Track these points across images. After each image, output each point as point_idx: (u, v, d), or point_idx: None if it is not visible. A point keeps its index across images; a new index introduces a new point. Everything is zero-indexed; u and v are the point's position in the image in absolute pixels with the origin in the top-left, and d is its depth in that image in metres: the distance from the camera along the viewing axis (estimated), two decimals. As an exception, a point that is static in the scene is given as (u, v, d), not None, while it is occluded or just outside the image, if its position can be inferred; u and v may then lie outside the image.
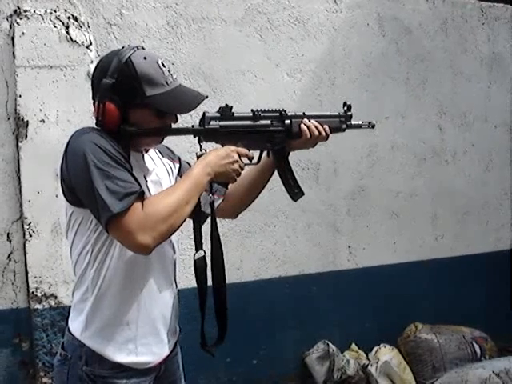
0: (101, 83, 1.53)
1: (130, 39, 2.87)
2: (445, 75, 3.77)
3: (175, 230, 1.52)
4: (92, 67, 2.77)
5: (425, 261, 3.85)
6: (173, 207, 1.48)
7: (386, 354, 3.41)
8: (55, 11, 2.67)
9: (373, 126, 1.95)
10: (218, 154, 1.63)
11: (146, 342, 1.64)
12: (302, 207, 3.40)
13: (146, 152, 1.71)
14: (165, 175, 1.76)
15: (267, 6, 3.19)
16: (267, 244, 3.36)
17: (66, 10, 2.69)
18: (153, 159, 1.74)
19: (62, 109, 2.73)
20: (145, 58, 1.56)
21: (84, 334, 1.58)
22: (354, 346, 3.56)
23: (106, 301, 1.57)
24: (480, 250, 4.05)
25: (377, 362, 3.35)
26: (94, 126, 1.58)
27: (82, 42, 2.73)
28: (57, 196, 2.75)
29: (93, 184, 1.42)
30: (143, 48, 1.62)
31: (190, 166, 1.89)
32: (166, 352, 1.71)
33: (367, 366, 3.38)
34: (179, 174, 1.85)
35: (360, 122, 1.92)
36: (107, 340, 1.58)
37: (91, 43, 2.78)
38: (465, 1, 3.76)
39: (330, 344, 3.43)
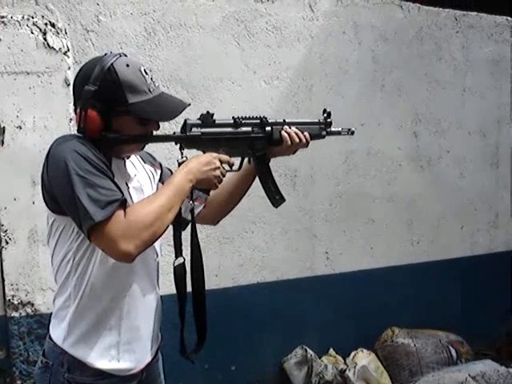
0: (83, 90, 1.53)
1: (107, 46, 2.87)
2: (420, 82, 3.83)
3: (158, 238, 1.52)
4: (69, 74, 2.77)
5: (401, 265, 3.89)
6: (155, 214, 1.48)
7: (364, 358, 3.44)
8: (32, 17, 2.66)
9: (352, 133, 1.99)
10: (199, 161, 1.64)
11: (129, 349, 1.64)
12: (279, 213, 3.42)
13: (128, 158, 1.72)
14: (146, 181, 1.77)
15: (244, 14, 3.21)
16: (245, 250, 3.38)
17: (43, 17, 2.69)
18: (134, 165, 1.75)
19: (39, 115, 2.72)
20: (127, 66, 1.57)
21: (66, 342, 1.58)
22: (331, 350, 3.58)
23: (88, 308, 1.58)
24: (455, 254, 4.10)
25: (354, 367, 3.37)
26: (75, 134, 1.59)
27: (60, 49, 2.73)
28: (33, 203, 2.74)
29: (74, 192, 1.43)
30: (125, 55, 1.63)
31: (171, 172, 1.91)
32: (148, 358, 1.72)
33: (345, 370, 3.40)
34: (161, 180, 1.86)
35: (339, 129, 1.96)
36: (89, 346, 1.58)
37: (68, 49, 2.77)
38: (439, 9, 3.82)
39: (308, 349, 3.45)
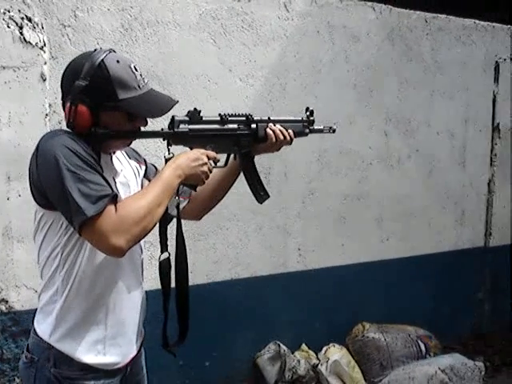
0: (73, 85, 1.54)
1: (84, 41, 2.86)
2: (391, 83, 3.91)
3: (148, 232, 1.54)
4: (46, 68, 2.76)
5: (371, 262, 3.97)
6: (146, 209, 1.50)
7: (336, 353, 3.50)
8: (9, 11, 2.63)
9: (333, 131, 2.04)
10: (188, 157, 1.66)
11: (115, 343, 1.66)
12: (253, 210, 3.45)
13: (114, 154, 1.72)
14: (132, 177, 1.78)
15: (221, 12, 3.23)
16: (219, 247, 3.40)
17: (19, 11, 2.66)
18: (120, 161, 1.76)
19: (15, 110, 2.69)
20: (118, 62, 1.58)
21: (53, 336, 1.59)
22: (304, 346, 3.63)
23: (75, 302, 1.59)
24: (423, 251, 4.20)
25: (327, 362, 3.43)
26: (64, 128, 1.59)
27: (36, 43, 2.70)
28: (8, 199, 2.71)
29: (65, 187, 1.43)
30: (114, 51, 1.63)
31: (155, 168, 1.93)
32: (133, 353, 1.73)
33: (317, 365, 3.46)
34: (145, 176, 1.88)
35: (322, 127, 2.00)
36: (76, 341, 1.59)
37: (45, 44, 2.75)
38: (410, 11, 3.90)
39: (281, 345, 3.49)
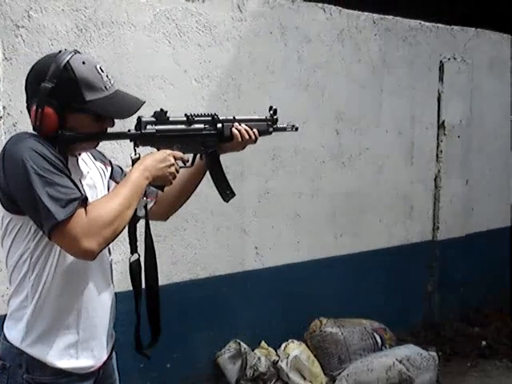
0: (39, 87, 1.52)
1: (38, 42, 2.80)
2: (341, 82, 3.99)
3: (118, 235, 1.54)
4: (0, 70, 2.69)
5: (326, 258, 4.05)
6: (116, 212, 1.50)
7: (295, 349, 3.55)
8: (-40, 12, 2.56)
9: (296, 129, 2.08)
10: (155, 158, 1.67)
11: (87, 346, 1.65)
12: (210, 210, 3.47)
13: (79, 156, 1.71)
14: (98, 179, 1.77)
15: (176, 13, 3.23)
16: (178, 248, 3.40)
17: (-29, 11, 2.59)
18: (86, 163, 1.75)
19: (-32, 112, 2.62)
20: (84, 63, 1.57)
21: (24, 342, 1.57)
22: (263, 343, 3.67)
23: (46, 307, 1.57)
24: (375, 246, 4.31)
25: (287, 358, 3.48)
26: (30, 131, 1.57)
27: (-12, 45, 2.64)
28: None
29: (34, 191, 1.42)
30: (79, 52, 1.62)
31: (121, 169, 1.92)
32: (105, 355, 1.73)
33: (277, 361, 3.51)
34: (111, 177, 1.87)
35: (285, 125, 2.04)
36: (48, 346, 1.58)
37: (-3, 46, 2.69)
38: (359, 13, 4.00)
39: (242, 343, 3.52)
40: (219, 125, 1.87)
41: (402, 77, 4.30)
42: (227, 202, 2.02)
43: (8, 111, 2.77)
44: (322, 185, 3.98)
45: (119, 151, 2.99)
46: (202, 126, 1.85)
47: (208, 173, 1.95)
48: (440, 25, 4.48)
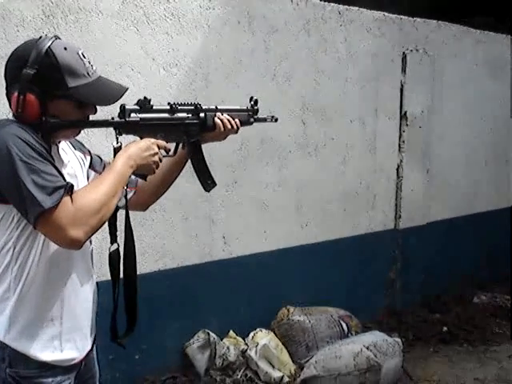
0: (21, 74, 1.48)
1: (4, 28, 2.73)
2: (308, 73, 4.01)
3: (104, 223, 1.52)
4: (-38, 57, 2.60)
5: (292, 247, 4.08)
6: (102, 200, 1.49)
7: (264, 337, 3.57)
8: None
9: (276, 120, 2.10)
10: (139, 147, 1.65)
11: (71, 338, 1.63)
12: (178, 200, 3.45)
13: (59, 144, 1.67)
14: (78, 168, 1.75)
15: (144, 0, 3.18)
16: (146, 238, 3.37)
17: None
18: (66, 152, 1.72)
19: None
20: (65, 49, 1.54)
21: (8, 335, 1.54)
22: (231, 332, 3.68)
23: (29, 298, 1.55)
24: (340, 235, 4.36)
25: (256, 346, 3.50)
26: (11, 118, 1.53)
27: (-49, 30, 2.55)
28: None
29: (19, 179, 1.39)
30: (60, 38, 1.59)
31: (100, 159, 1.89)
32: (88, 347, 1.72)
33: (246, 350, 3.52)
34: (90, 166, 1.84)
35: (265, 116, 2.05)
36: (31, 339, 1.55)
37: (-40, 31, 2.60)
38: (325, 3, 4.01)
39: (211, 333, 3.52)
40: (202, 114, 1.87)
41: (366, 68, 4.34)
42: (208, 191, 2.02)
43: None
44: (288, 174, 4.00)
45: (98, 140, 2.93)
46: (185, 114, 1.84)
47: (190, 162, 1.94)
48: (403, 16, 4.54)
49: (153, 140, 1.71)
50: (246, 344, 3.60)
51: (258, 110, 2.04)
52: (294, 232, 4.10)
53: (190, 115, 1.85)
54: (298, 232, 4.12)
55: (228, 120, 1.91)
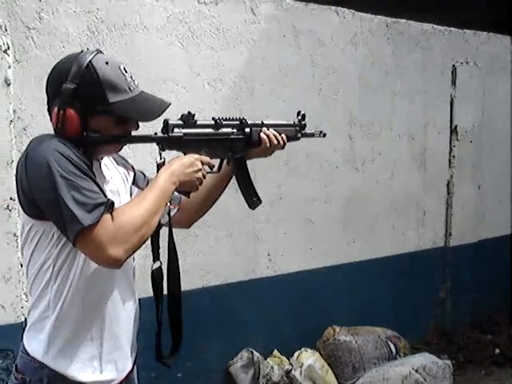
0: (61, 88, 1.45)
1: (49, 44, 2.75)
2: (354, 87, 3.93)
3: (145, 242, 1.48)
4: (10, 73, 2.64)
5: (338, 265, 3.98)
6: (143, 218, 1.44)
7: (309, 357, 3.48)
8: (-29, 13, 2.50)
9: (324, 135, 2.03)
10: (182, 163, 1.60)
11: (111, 358, 1.58)
12: (223, 217, 3.40)
13: (101, 160, 1.65)
14: (121, 184, 1.71)
15: (188, 15, 3.17)
16: (189, 255, 3.33)
17: (-18, 13, 2.53)
18: (108, 168, 1.68)
19: (-21, 116, 2.56)
20: (107, 63, 1.51)
21: (47, 355, 1.49)
22: (276, 352, 3.60)
23: (69, 317, 1.50)
24: (387, 252, 4.24)
25: (301, 367, 3.41)
26: (52, 134, 1.51)
27: (0, 47, 2.58)
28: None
29: (59, 195, 1.35)
30: (102, 52, 1.56)
31: (144, 175, 1.86)
32: (129, 367, 1.67)
33: (290, 370, 3.44)
34: (134, 183, 1.80)
35: (313, 131, 1.99)
36: (71, 359, 1.51)
37: (9, 47, 2.63)
38: (372, 16, 3.94)
39: (255, 352, 3.45)
40: (247, 129, 1.81)
41: (414, 81, 4.24)
42: (253, 209, 1.96)
43: (18, 115, 2.71)
44: (334, 190, 3.92)
45: (142, 156, 2.93)
46: (230, 130, 1.79)
47: (234, 178, 1.89)
48: (452, 28, 4.43)
49: (196, 156, 1.65)
50: (291, 364, 3.51)
51: (305, 125, 1.98)
52: (340, 249, 4.00)
53: (235, 130, 1.80)
54: (344, 249, 4.02)
55: (274, 135, 1.85)
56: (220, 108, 3.34)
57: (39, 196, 1.40)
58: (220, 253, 3.44)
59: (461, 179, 4.59)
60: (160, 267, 1.73)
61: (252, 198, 1.93)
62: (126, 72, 1.55)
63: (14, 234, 2.70)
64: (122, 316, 1.62)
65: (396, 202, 4.27)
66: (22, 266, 2.75)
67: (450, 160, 4.54)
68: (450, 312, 4.66)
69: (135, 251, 1.46)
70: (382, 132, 4.11)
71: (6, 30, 2.63)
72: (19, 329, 2.76)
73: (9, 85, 2.64)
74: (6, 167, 2.65)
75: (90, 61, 1.49)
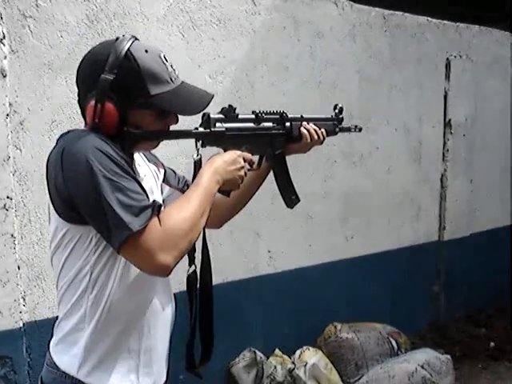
0: (99, 80, 1.33)
1: (46, 33, 2.60)
2: (352, 79, 3.87)
3: (192, 246, 1.37)
4: (5, 63, 2.49)
5: (336, 261, 3.92)
6: (191, 221, 1.33)
7: (312, 356, 3.41)
8: (-34, 0, 2.35)
9: (360, 130, 1.96)
10: (225, 160, 1.49)
11: (148, 372, 1.48)
12: (223, 213, 3.30)
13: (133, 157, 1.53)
14: (153, 182, 1.59)
15: (189, 5, 3.05)
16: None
17: (-22, 0, 2.38)
18: (140, 165, 1.56)
19: (-27, 110, 2.41)
20: (146, 51, 1.38)
21: (82, 370, 1.37)
22: (277, 351, 3.52)
23: (106, 329, 1.38)
24: (384, 247, 4.20)
25: (304, 366, 3.33)
26: (85, 128, 1.39)
27: (-5, 36, 2.44)
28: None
29: (102, 197, 1.23)
30: (137, 39, 1.44)
31: (174, 172, 1.74)
32: (163, 379, 1.56)
33: (293, 369, 3.36)
34: (164, 181, 1.69)
35: (350, 126, 1.91)
36: (108, 373, 1.39)
37: (4, 37, 2.48)
38: (370, 8, 3.87)
39: (257, 351, 3.36)
40: (287, 124, 1.71)
41: (410, 74, 4.20)
42: (292, 208, 1.86)
43: (15, 108, 2.57)
44: (333, 185, 3.85)
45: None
46: (270, 124, 1.69)
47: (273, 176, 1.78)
48: (446, 22, 4.39)
49: (239, 152, 1.54)
50: (293, 363, 3.43)
51: (343, 119, 1.89)
52: (338, 245, 3.93)
53: (275, 125, 1.70)
54: (342, 245, 3.96)
55: (315, 130, 1.76)
56: (221, 101, 3.15)
57: (78, 198, 1.28)
58: (221, 250, 3.33)
59: (454, 173, 4.57)
60: (195, 271, 1.64)
61: (290, 197, 1.84)
62: (167, 61, 1.43)
63: (12, 235, 2.56)
64: (160, 326, 1.51)
65: (392, 197, 4.22)
66: (19, 268, 2.61)
67: (443, 154, 4.52)
68: (444, 306, 4.64)
69: (182, 257, 1.35)
70: (379, 125, 4.06)
71: (2, 19, 2.48)
72: (17, 335, 2.63)
73: (4, 76, 2.49)
74: (3, 164, 2.51)
75: (129, 49, 1.36)
